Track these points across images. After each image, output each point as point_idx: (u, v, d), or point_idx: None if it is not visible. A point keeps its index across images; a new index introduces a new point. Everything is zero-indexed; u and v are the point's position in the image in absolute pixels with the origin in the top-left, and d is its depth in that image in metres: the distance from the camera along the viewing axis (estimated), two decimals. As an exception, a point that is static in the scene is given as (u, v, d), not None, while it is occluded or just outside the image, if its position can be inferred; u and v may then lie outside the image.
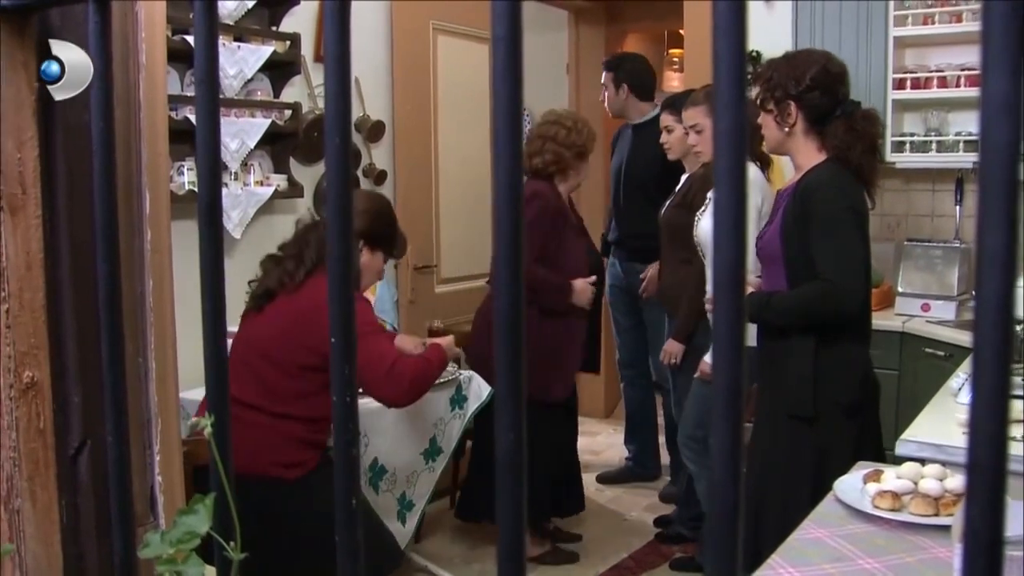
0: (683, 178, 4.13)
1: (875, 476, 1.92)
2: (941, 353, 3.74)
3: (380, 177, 4.65)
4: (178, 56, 3.23)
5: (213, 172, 0.87)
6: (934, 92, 4.30)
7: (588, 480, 4.62)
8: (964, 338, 3.64)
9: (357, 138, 4.51)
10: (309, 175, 4.17)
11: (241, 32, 3.76)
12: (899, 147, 4.35)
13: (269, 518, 2.58)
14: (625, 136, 4.88)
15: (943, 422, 2.37)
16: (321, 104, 3.72)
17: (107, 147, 1.00)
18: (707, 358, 2.86)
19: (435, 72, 4.94)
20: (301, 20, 4.05)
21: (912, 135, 4.40)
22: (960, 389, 2.62)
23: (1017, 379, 2.45)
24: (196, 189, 0.85)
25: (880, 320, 3.40)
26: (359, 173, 4.55)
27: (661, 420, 4.87)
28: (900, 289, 4.25)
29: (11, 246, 1.15)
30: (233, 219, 3.73)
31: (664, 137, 4.14)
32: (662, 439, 4.94)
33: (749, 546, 2.27)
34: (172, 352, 1.38)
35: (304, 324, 2.69)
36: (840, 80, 2.66)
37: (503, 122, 0.64)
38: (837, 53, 2.86)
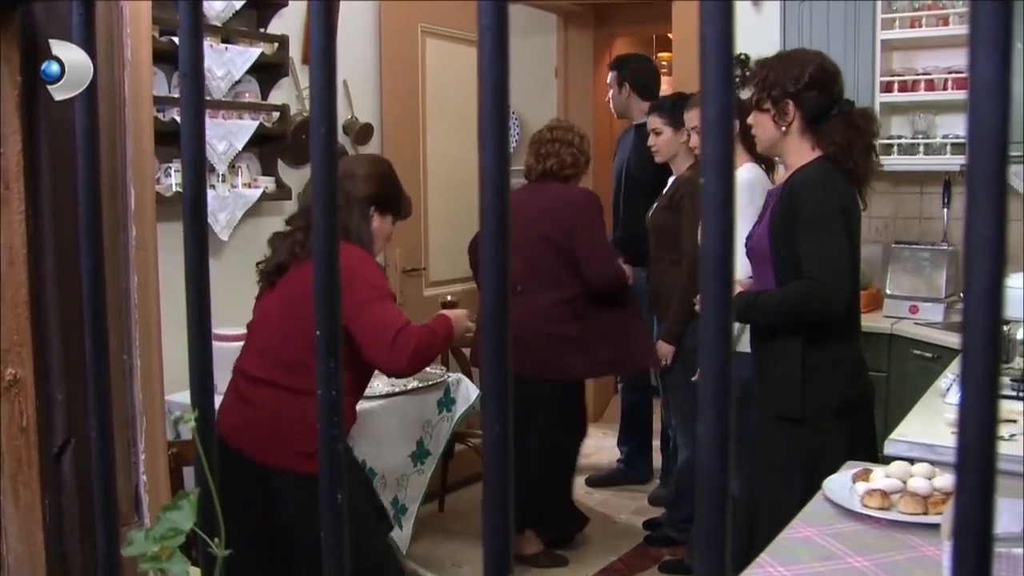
0: (670, 180, 4.14)
1: (864, 475, 1.92)
2: (929, 355, 3.75)
3: (369, 180, 4.64)
4: (165, 57, 3.22)
5: (198, 165, 0.87)
6: (921, 95, 4.32)
7: (577, 482, 4.62)
8: (952, 340, 3.65)
9: (345, 140, 4.50)
10: (297, 177, 4.15)
11: (229, 33, 3.75)
12: (887, 150, 4.36)
13: (297, 516, 2.55)
14: (628, 136, 4.88)
15: (932, 422, 2.37)
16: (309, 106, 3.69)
17: (91, 143, 0.99)
18: None
19: (423, 75, 4.93)
20: (289, 22, 4.04)
21: (900, 138, 4.42)
22: (948, 389, 2.63)
23: (1004, 379, 2.46)
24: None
25: (868, 322, 3.41)
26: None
27: (657, 424, 4.88)
28: (888, 291, 4.27)
29: (-6, 242, 1.14)
30: (220, 221, 3.71)
31: (652, 140, 4.14)
32: (656, 443, 4.94)
33: (743, 548, 2.27)
34: (157, 350, 1.37)
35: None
36: (835, 78, 2.66)
37: (489, 108, 0.63)
38: (825, 55, 2.86)
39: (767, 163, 3.64)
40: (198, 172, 0.86)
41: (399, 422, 3.53)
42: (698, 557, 0.58)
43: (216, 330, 3.57)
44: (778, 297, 2.61)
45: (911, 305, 4.15)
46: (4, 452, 1.15)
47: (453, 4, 4.83)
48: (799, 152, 2.66)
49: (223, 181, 3.71)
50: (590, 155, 4.09)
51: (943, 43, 4.27)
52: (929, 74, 4.31)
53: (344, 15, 4.25)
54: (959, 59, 4.22)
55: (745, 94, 2.78)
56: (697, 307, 3.03)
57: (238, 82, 3.77)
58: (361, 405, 3.42)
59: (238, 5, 3.76)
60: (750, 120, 2.73)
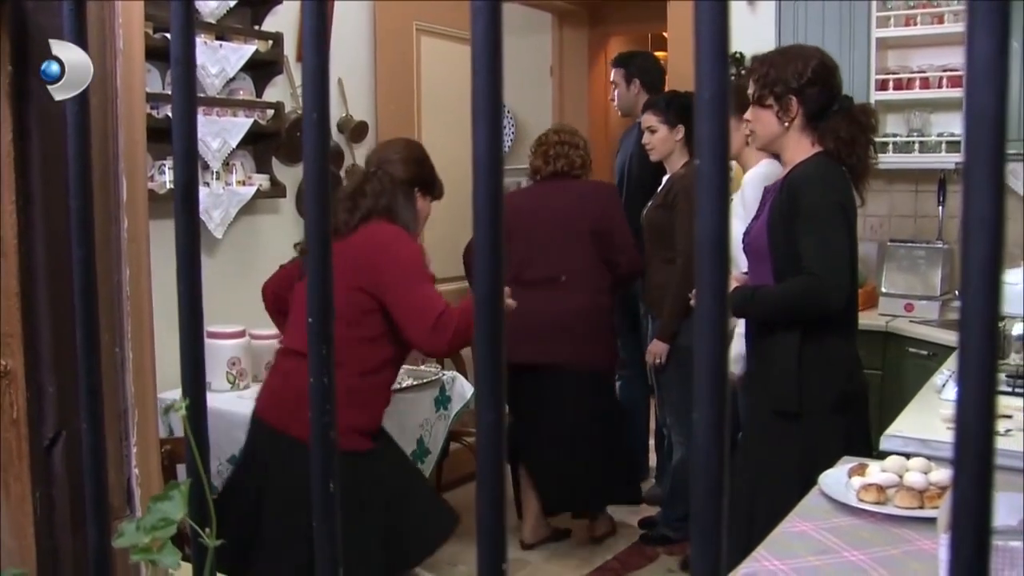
0: (664, 179, 4.13)
1: (860, 470, 1.91)
2: (925, 352, 3.75)
3: (363, 178, 4.63)
4: (159, 54, 3.20)
5: (189, 155, 0.86)
6: (916, 93, 4.32)
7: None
8: (948, 337, 3.65)
9: (340, 138, 4.49)
10: (291, 175, 4.15)
11: (223, 31, 3.74)
12: (882, 148, 4.35)
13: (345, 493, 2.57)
14: (631, 135, 4.86)
15: (927, 418, 2.37)
16: (304, 104, 3.70)
17: (82, 132, 0.98)
18: (732, 368, 2.87)
19: (418, 73, 4.93)
20: (283, 20, 4.03)
21: (895, 136, 4.42)
22: (944, 386, 2.62)
23: (1000, 375, 2.46)
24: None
25: (864, 320, 3.41)
26: (342, 173, 4.53)
27: (652, 423, 4.88)
28: (883, 289, 4.27)
29: (-16, 232, 1.13)
30: (215, 219, 3.70)
31: (647, 138, 4.13)
32: (651, 441, 4.93)
33: (742, 542, 2.26)
34: (150, 343, 1.36)
35: (361, 268, 2.69)
36: (835, 74, 2.66)
37: (482, 88, 0.62)
38: (819, 54, 2.86)
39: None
40: (190, 160, 0.85)
41: (399, 421, 3.52)
42: (694, 541, 0.57)
43: (210, 327, 3.59)
44: (777, 292, 2.61)
45: (906, 303, 4.15)
46: (-6, 444, 1.14)
47: (448, 3, 4.82)
48: (798, 148, 2.66)
49: (217, 179, 3.69)
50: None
51: (938, 41, 4.28)
52: (924, 72, 4.31)
53: (339, 14, 4.25)
54: (954, 57, 4.23)
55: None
56: (692, 302, 3.02)
57: (232, 79, 3.76)
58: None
59: (232, 2, 3.75)
60: (749, 116, 2.72)
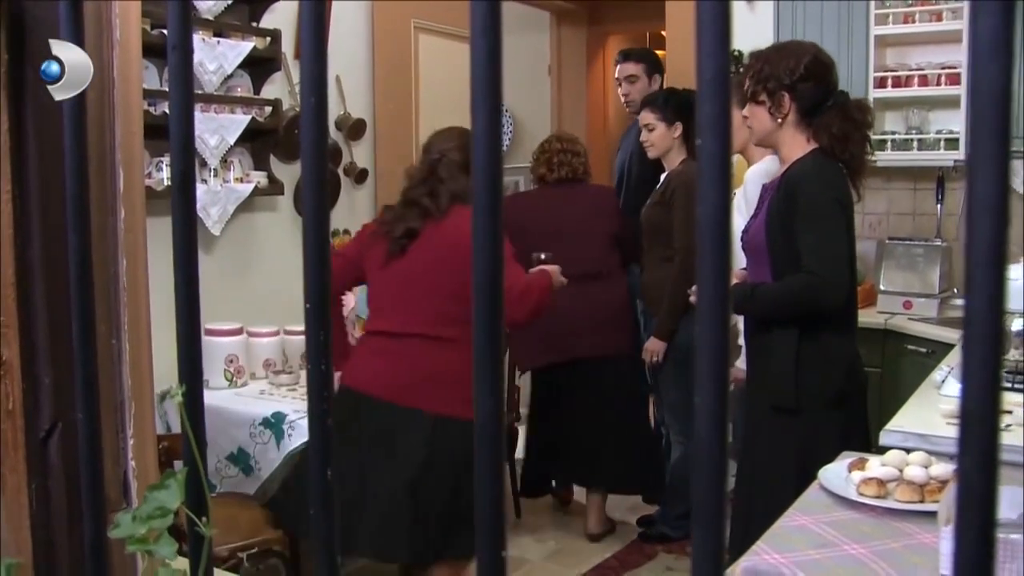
0: (662, 177, 4.12)
1: (860, 464, 1.91)
2: (923, 350, 3.75)
3: (361, 176, 4.63)
4: (156, 51, 3.19)
5: (187, 146, 0.85)
6: (915, 90, 4.32)
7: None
8: (946, 335, 3.65)
9: (338, 136, 4.49)
10: (289, 172, 4.14)
11: (221, 27, 3.73)
12: (880, 145, 4.35)
13: (463, 463, 2.81)
14: (631, 133, 4.84)
15: (927, 413, 2.37)
16: (302, 102, 3.70)
17: (79, 122, 0.97)
18: (739, 363, 2.87)
19: (416, 71, 4.92)
20: (281, 17, 4.03)
21: (893, 133, 4.42)
22: (943, 381, 2.62)
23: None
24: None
25: (863, 318, 3.40)
26: (340, 171, 4.53)
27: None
28: (882, 287, 4.26)
29: (-21, 222, 1.12)
30: (212, 216, 3.69)
31: (645, 135, 4.12)
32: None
33: (739, 536, 2.26)
34: (147, 335, 1.35)
35: (464, 250, 2.79)
36: (830, 70, 2.65)
37: (481, 73, 0.62)
38: (818, 51, 2.85)
39: None
40: (187, 152, 0.85)
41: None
42: (696, 530, 0.57)
43: (208, 325, 3.58)
44: (776, 290, 2.60)
45: (905, 301, 4.14)
46: (-10, 435, 1.13)
47: (446, 2, 4.82)
48: (794, 144, 2.65)
49: (215, 176, 3.69)
50: None
51: (936, 39, 4.27)
52: (923, 69, 4.31)
53: (337, 12, 4.24)
54: (953, 55, 4.22)
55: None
56: (692, 299, 3.03)
57: (230, 76, 3.75)
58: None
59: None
60: (746, 112, 2.72)
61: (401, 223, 2.94)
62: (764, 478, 2.59)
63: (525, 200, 4.49)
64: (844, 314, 2.64)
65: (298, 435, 3.13)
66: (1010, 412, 2.22)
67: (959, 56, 4.15)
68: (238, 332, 3.52)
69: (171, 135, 0.85)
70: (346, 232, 4.51)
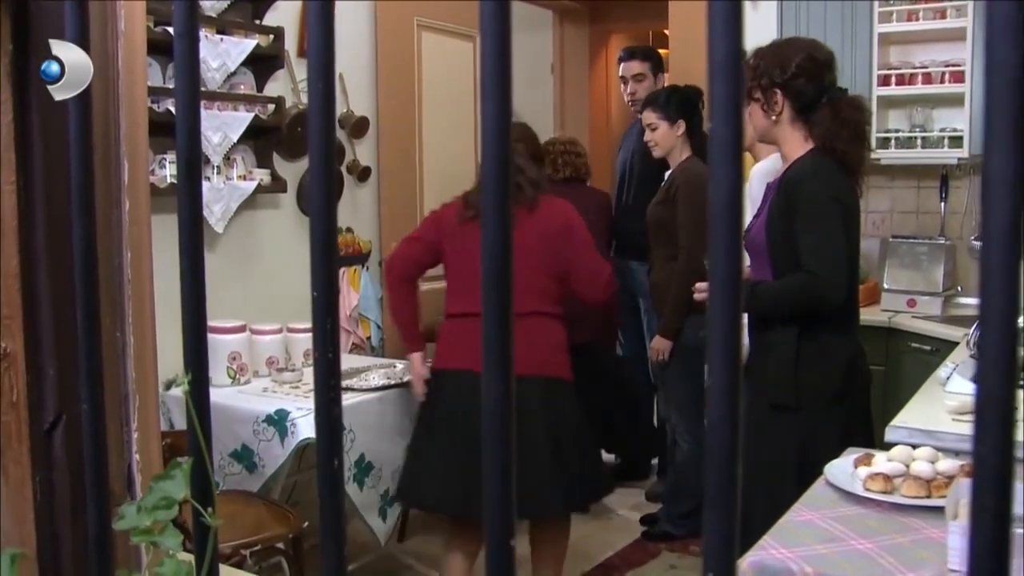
0: (667, 175, 4.12)
1: (866, 460, 1.90)
2: (927, 348, 3.75)
3: (364, 173, 4.62)
4: (160, 48, 3.20)
5: (193, 134, 0.85)
6: (919, 88, 4.31)
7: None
8: (950, 332, 3.65)
9: (341, 134, 4.48)
10: (292, 170, 4.13)
11: (224, 25, 3.73)
12: (884, 143, 4.35)
13: (555, 415, 3.15)
14: (632, 132, 4.84)
15: (932, 410, 2.36)
16: (304, 99, 3.71)
17: (83, 113, 0.97)
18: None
19: (419, 69, 4.91)
20: (284, 15, 4.02)
21: (897, 131, 4.41)
22: (948, 378, 2.61)
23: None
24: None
25: (866, 316, 3.40)
26: (343, 169, 4.52)
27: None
28: (886, 285, 4.25)
29: (-16, 213, 1.12)
30: (215, 213, 3.69)
31: (648, 135, 4.11)
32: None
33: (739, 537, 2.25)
34: (151, 329, 1.34)
35: (564, 237, 3.23)
36: (826, 67, 2.64)
37: (491, 59, 0.61)
38: (822, 50, 2.84)
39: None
40: (192, 125, 0.84)
41: (395, 414, 3.51)
42: (709, 507, 0.56)
43: (211, 322, 3.58)
44: (776, 288, 2.60)
45: (909, 299, 4.14)
46: (-6, 427, 1.13)
47: (448, 1, 4.81)
48: (793, 141, 2.65)
49: (218, 173, 3.68)
50: None
51: (940, 36, 4.27)
52: (926, 67, 4.30)
53: (340, 10, 4.23)
54: (956, 52, 4.21)
55: None
56: (696, 296, 3.03)
57: (233, 74, 3.75)
58: (358, 397, 3.42)
59: (233, -3, 3.74)
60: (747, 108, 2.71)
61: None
62: (764, 476, 2.58)
63: None
64: (844, 312, 2.63)
65: (301, 432, 3.12)
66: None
67: (963, 54, 4.14)
68: (241, 330, 3.51)
69: (177, 123, 0.84)
70: (349, 230, 4.51)
